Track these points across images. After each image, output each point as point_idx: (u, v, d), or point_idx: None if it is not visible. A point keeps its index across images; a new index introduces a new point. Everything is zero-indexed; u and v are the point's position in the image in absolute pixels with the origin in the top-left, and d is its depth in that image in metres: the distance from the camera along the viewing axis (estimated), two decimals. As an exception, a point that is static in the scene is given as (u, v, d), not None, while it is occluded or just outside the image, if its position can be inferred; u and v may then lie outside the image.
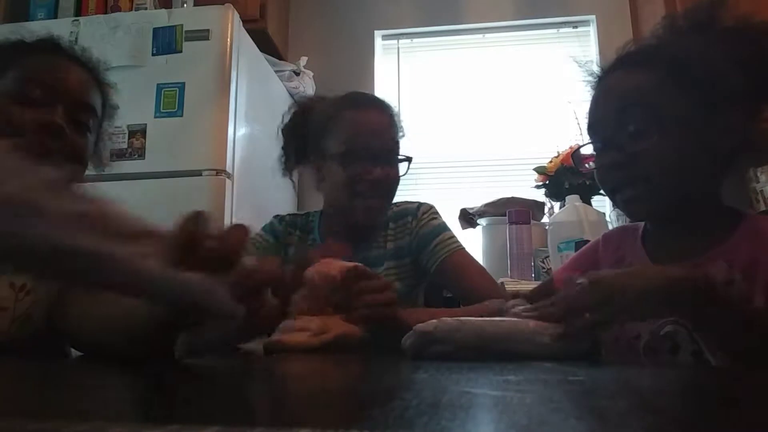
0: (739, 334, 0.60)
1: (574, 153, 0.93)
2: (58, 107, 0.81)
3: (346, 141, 1.09)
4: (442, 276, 1.12)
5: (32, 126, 0.78)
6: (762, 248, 0.70)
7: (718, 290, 0.60)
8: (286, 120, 1.23)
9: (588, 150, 0.85)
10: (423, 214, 1.16)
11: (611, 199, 0.82)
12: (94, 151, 0.92)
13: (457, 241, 1.13)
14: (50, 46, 0.88)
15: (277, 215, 1.24)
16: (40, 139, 0.78)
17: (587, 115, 0.82)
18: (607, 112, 0.78)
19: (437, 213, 1.18)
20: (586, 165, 0.86)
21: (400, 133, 1.17)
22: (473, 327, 0.59)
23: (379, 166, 1.08)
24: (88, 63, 0.89)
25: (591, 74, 0.84)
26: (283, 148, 1.23)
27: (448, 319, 0.60)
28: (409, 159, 1.15)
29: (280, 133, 1.23)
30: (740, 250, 0.72)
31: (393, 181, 1.12)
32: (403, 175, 1.15)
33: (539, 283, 2.19)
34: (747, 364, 0.60)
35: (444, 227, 1.15)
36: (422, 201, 1.21)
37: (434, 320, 0.60)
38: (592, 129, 0.81)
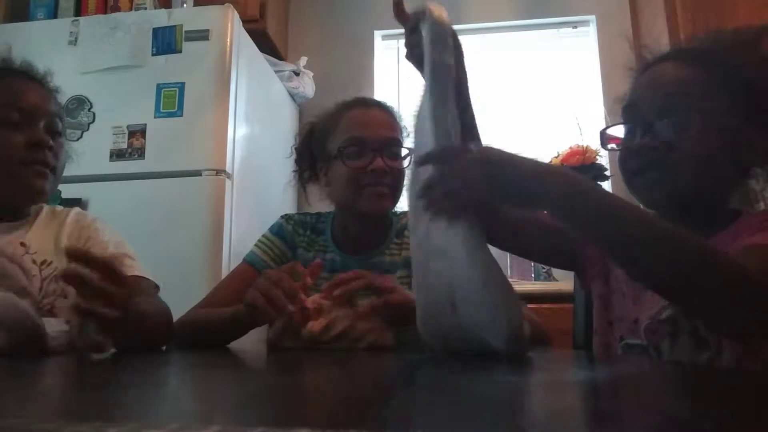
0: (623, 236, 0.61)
1: (602, 131, 0.91)
2: (39, 125, 0.95)
3: (347, 137, 1.11)
4: None
5: (26, 146, 0.92)
6: (744, 230, 0.71)
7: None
8: (298, 139, 1.24)
9: (615, 132, 0.84)
10: None
11: (629, 183, 0.81)
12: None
13: None
14: (7, 71, 0.99)
15: (285, 215, 1.21)
16: (35, 158, 0.93)
17: (626, 96, 0.83)
18: (651, 96, 0.79)
19: None
20: (611, 146, 0.86)
21: (403, 133, 1.17)
22: None
23: (380, 156, 1.09)
24: (38, 76, 1.01)
25: (640, 59, 0.85)
26: (296, 161, 1.23)
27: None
28: (410, 150, 1.15)
29: (293, 151, 1.24)
30: (726, 238, 0.73)
31: (397, 172, 1.11)
32: (407, 167, 1.14)
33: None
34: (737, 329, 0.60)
35: None
36: None
37: None
38: (629, 109, 0.82)
